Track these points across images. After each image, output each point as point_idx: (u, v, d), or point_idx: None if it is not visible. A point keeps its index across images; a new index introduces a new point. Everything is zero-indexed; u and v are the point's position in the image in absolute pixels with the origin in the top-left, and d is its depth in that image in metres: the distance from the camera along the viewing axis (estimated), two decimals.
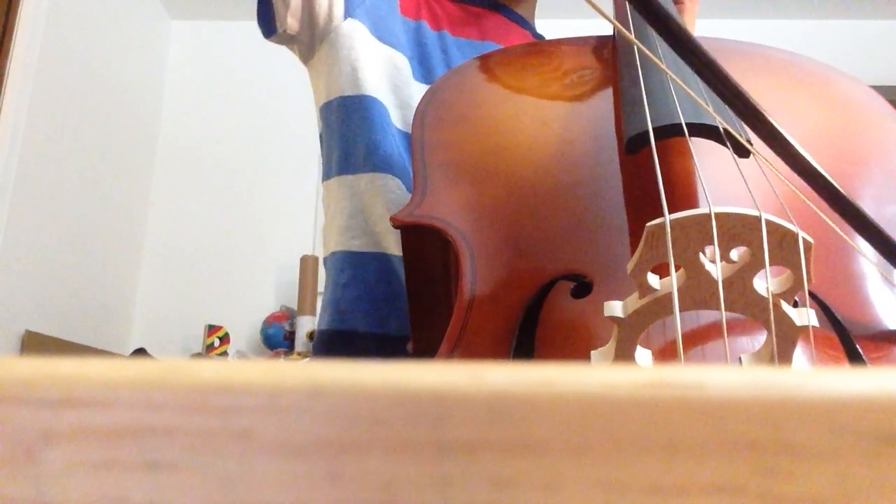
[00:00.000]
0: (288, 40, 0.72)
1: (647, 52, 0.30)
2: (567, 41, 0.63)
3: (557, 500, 0.11)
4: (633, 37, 0.43)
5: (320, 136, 0.76)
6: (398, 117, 0.71)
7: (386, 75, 0.71)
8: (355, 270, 0.69)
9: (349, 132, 0.70)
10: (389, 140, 0.69)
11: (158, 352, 2.41)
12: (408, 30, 0.76)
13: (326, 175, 0.73)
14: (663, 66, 0.32)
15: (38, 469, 0.11)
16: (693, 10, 0.76)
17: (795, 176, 0.28)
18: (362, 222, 0.69)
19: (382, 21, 0.73)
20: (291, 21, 0.69)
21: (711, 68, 0.23)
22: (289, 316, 2.41)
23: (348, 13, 0.71)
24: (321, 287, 1.35)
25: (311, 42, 0.72)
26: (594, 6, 0.25)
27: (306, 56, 0.75)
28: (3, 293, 1.95)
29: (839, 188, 0.31)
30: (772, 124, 0.28)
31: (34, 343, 2.02)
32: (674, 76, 0.34)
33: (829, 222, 0.29)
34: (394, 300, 0.67)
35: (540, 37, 0.84)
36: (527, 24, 0.83)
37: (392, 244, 0.68)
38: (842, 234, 0.37)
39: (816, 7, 2.77)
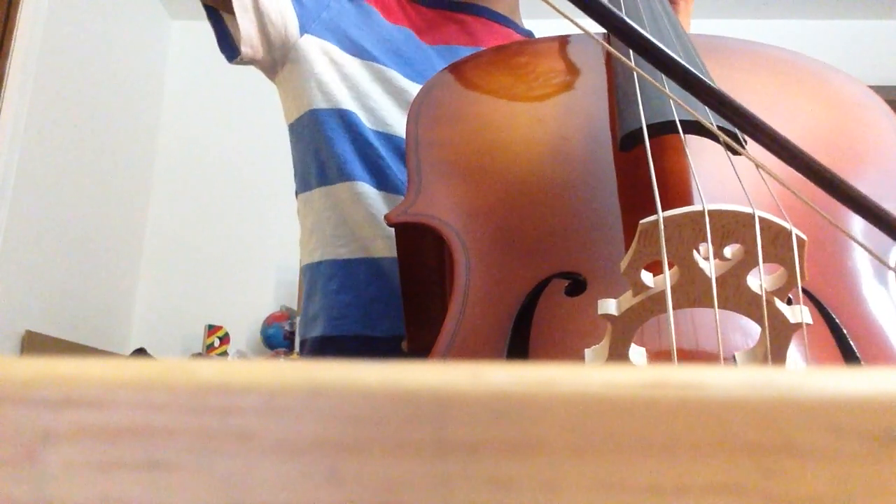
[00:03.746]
0: (250, 62, 0.73)
1: (622, 58, 0.30)
2: (561, 38, 0.63)
3: (557, 500, 0.11)
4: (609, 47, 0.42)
5: (292, 152, 0.77)
6: (371, 120, 0.72)
7: (353, 84, 0.72)
8: (345, 277, 0.70)
9: (322, 145, 0.72)
10: (361, 146, 0.71)
11: (158, 352, 2.41)
12: (391, 35, 0.76)
13: (304, 188, 0.75)
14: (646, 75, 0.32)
15: (38, 469, 0.11)
16: (688, 10, 0.76)
17: (788, 171, 0.28)
18: (348, 231, 0.71)
19: (351, 31, 0.73)
20: (246, 49, 0.70)
21: (666, 62, 0.23)
22: (289, 316, 2.41)
23: (304, 30, 0.72)
24: None
25: (272, 63, 0.73)
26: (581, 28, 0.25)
27: (271, 75, 0.76)
28: (3, 293, 1.95)
29: (830, 170, 0.31)
30: (748, 113, 0.28)
31: (34, 343, 2.02)
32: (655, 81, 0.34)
33: (825, 215, 0.29)
34: (384, 302, 0.68)
35: (527, 33, 0.83)
36: (510, 23, 0.82)
37: (379, 248, 0.69)
38: (838, 227, 0.37)
39: (816, 7, 2.77)
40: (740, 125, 0.24)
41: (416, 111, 0.56)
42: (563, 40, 0.63)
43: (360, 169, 0.70)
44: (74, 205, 2.27)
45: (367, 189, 0.70)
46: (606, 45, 0.36)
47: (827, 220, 0.29)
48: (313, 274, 0.73)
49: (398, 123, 0.71)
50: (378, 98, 0.72)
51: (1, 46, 2.03)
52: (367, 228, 0.70)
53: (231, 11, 0.68)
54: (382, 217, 0.69)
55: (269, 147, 2.60)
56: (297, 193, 0.78)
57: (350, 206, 0.70)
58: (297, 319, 2.33)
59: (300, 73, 0.72)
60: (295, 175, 0.77)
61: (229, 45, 0.72)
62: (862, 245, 0.29)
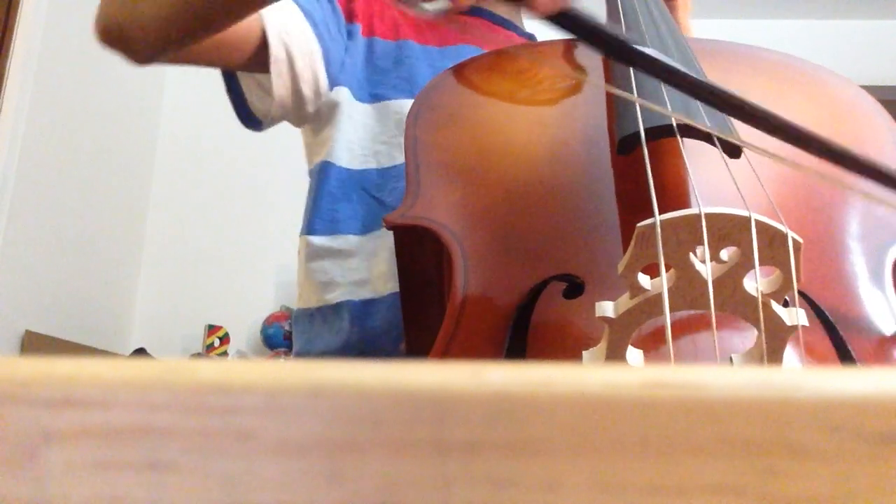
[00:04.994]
0: (282, 119, 0.74)
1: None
2: (560, 42, 0.63)
3: (557, 500, 0.11)
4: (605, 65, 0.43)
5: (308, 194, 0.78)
6: (377, 161, 0.73)
7: (369, 133, 0.73)
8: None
9: (315, 197, 0.73)
10: (367, 201, 0.72)
11: (158, 352, 2.41)
12: (389, 53, 0.76)
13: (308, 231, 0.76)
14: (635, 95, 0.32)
15: (38, 469, 0.11)
16: (686, 7, 0.76)
17: (786, 171, 0.28)
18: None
19: (359, 75, 0.74)
20: (278, 111, 0.70)
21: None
22: (289, 316, 2.41)
23: (333, 83, 0.72)
24: None
25: (303, 116, 0.74)
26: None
27: (298, 124, 0.77)
28: (3, 293, 1.95)
29: (829, 140, 0.31)
30: (740, 100, 0.28)
31: (34, 343, 2.02)
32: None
33: (825, 221, 0.29)
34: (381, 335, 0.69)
35: (529, 36, 0.83)
36: (511, 25, 0.82)
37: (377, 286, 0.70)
38: (846, 186, 0.37)
39: (816, 7, 2.77)
40: (739, 115, 0.24)
41: (415, 113, 0.56)
42: (563, 44, 0.63)
43: (339, 224, 0.71)
44: (74, 205, 2.27)
45: (352, 238, 0.71)
46: (611, 88, 0.36)
47: (834, 182, 0.29)
48: (330, 314, 0.73)
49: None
50: (387, 138, 0.73)
51: (1, 46, 2.03)
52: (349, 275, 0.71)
53: (265, 71, 0.68)
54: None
55: (270, 147, 2.60)
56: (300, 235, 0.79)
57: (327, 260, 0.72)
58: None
59: (324, 123, 0.74)
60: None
61: (249, 119, 0.74)
62: (872, 197, 0.29)
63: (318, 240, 0.72)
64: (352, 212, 0.72)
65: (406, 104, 0.72)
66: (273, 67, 0.68)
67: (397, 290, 0.57)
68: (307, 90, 0.71)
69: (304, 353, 0.74)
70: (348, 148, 0.73)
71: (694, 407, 0.11)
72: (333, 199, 0.72)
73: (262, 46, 0.68)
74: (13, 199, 1.99)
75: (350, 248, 0.71)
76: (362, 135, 0.73)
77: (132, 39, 0.61)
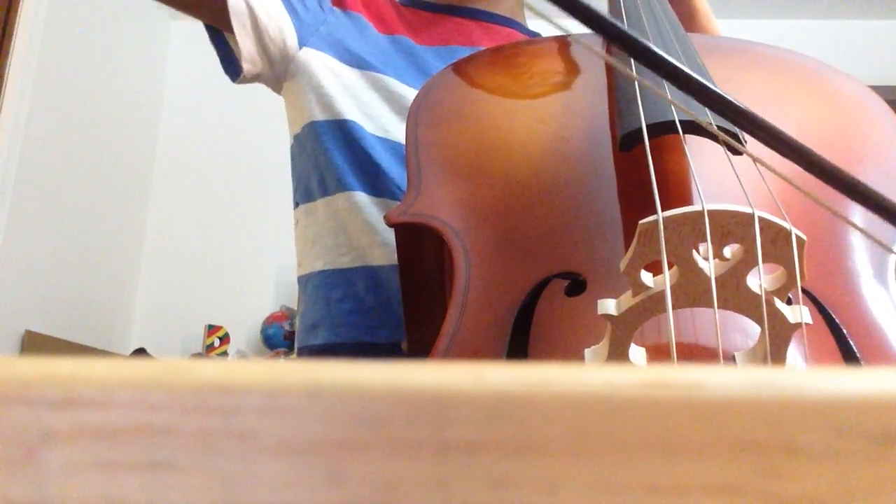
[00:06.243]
0: (254, 79, 0.75)
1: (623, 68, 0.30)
2: (561, 38, 0.63)
3: (557, 500, 0.11)
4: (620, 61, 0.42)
5: (294, 163, 0.78)
6: (372, 126, 0.73)
7: (353, 93, 0.73)
8: (347, 286, 0.71)
9: (321, 156, 0.73)
10: (358, 156, 0.72)
11: (158, 352, 2.41)
12: (386, 46, 0.76)
13: (307, 198, 0.76)
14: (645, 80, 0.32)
15: (38, 469, 0.11)
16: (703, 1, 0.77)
17: (787, 168, 0.28)
18: (347, 240, 0.72)
19: (348, 43, 0.75)
20: (247, 66, 0.72)
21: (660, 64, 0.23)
22: (289, 316, 2.41)
23: (302, 43, 0.73)
24: None
25: (275, 78, 0.75)
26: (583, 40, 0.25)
27: (277, 89, 0.78)
28: (3, 293, 1.95)
29: (830, 162, 0.31)
30: (750, 114, 0.28)
31: (34, 343, 2.02)
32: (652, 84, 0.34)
33: (829, 206, 0.29)
34: (383, 310, 0.69)
35: (532, 33, 0.83)
36: (512, 23, 0.82)
37: (376, 256, 0.70)
38: (842, 218, 0.37)
39: (816, 7, 2.77)
40: (743, 126, 0.24)
41: (416, 111, 0.56)
42: (563, 40, 0.63)
43: (355, 179, 0.71)
44: (74, 205, 2.27)
45: (363, 198, 0.71)
46: (607, 57, 0.36)
47: (830, 211, 0.29)
48: (315, 282, 0.74)
49: (397, 129, 0.72)
50: (376, 106, 0.73)
51: (1, 46, 2.03)
52: (364, 237, 0.71)
53: (231, 30, 0.70)
54: (379, 224, 0.70)
55: (270, 147, 2.61)
56: (297, 204, 0.79)
57: (347, 216, 0.72)
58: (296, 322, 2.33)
59: (300, 86, 0.74)
60: (297, 186, 0.79)
61: (233, 65, 0.74)
62: (867, 234, 0.29)
63: (364, 197, 0.71)
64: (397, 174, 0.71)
65: (396, 84, 0.72)
66: (234, 19, 0.69)
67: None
68: (273, 48, 0.72)
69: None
70: (362, 111, 0.73)
71: (694, 407, 0.11)
72: (369, 158, 0.71)
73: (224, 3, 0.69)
74: (13, 199, 1.99)
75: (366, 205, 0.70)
76: (348, 92, 0.73)
77: None
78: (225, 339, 2.45)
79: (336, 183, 0.72)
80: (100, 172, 2.40)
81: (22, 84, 2.02)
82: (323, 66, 0.73)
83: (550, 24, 0.28)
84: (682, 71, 0.23)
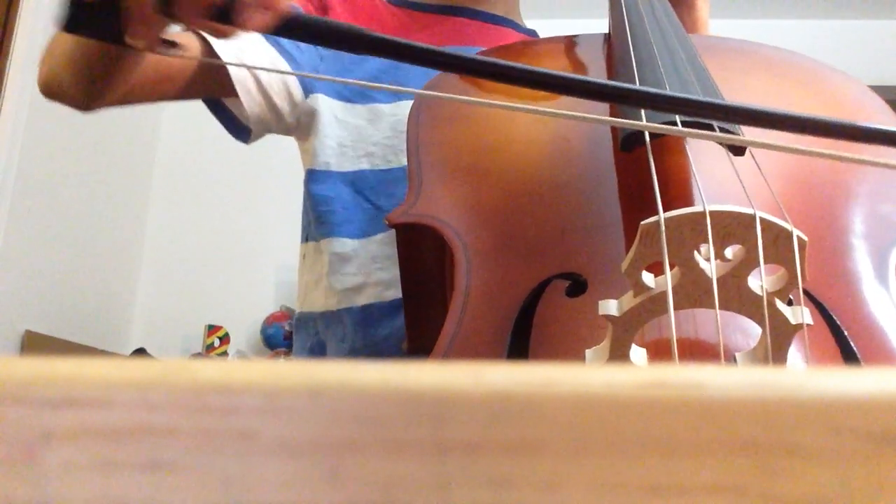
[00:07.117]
0: (266, 133, 0.75)
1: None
2: (561, 39, 0.63)
3: (557, 500, 0.11)
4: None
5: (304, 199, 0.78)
6: (377, 163, 0.72)
7: (358, 136, 0.73)
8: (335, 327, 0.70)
9: (308, 202, 0.73)
10: (358, 202, 0.71)
11: (158, 352, 2.41)
12: (381, 61, 0.76)
13: (305, 238, 0.76)
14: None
15: (38, 469, 0.11)
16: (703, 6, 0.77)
17: (791, 169, 0.28)
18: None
19: (345, 76, 0.74)
20: (257, 127, 0.72)
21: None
22: (289, 316, 2.41)
23: (308, 91, 0.73)
24: None
25: (285, 127, 0.75)
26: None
27: (287, 134, 0.78)
28: (3, 293, 1.95)
29: (833, 119, 0.31)
30: (758, 112, 0.28)
31: (34, 343, 2.02)
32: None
33: (830, 206, 0.29)
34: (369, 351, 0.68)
35: (530, 32, 0.83)
36: (509, 23, 0.82)
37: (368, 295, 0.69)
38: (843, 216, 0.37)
39: (816, 7, 2.77)
40: (746, 122, 0.24)
41: (416, 112, 0.56)
42: (565, 40, 0.63)
43: (349, 225, 0.71)
44: (74, 205, 2.27)
45: (336, 243, 0.70)
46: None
47: (846, 160, 0.29)
48: (330, 320, 0.72)
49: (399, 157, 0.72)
50: (380, 140, 0.72)
51: (1, 46, 2.03)
52: (346, 280, 0.70)
53: (233, 94, 0.69)
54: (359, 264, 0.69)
55: (270, 147, 2.60)
56: (301, 241, 0.78)
57: (320, 266, 0.71)
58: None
59: (307, 132, 0.74)
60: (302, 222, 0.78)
61: (239, 132, 0.74)
62: (879, 165, 0.29)
63: (338, 245, 0.71)
64: (347, 216, 0.71)
65: (399, 106, 0.72)
66: (238, 87, 0.68)
67: (399, 296, 0.57)
68: (281, 102, 0.71)
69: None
70: (339, 150, 0.72)
71: (694, 407, 0.11)
72: (327, 202, 0.72)
73: (218, 71, 0.68)
74: (13, 199, 1.99)
75: (346, 252, 0.70)
76: (352, 134, 0.73)
77: (65, 94, 0.65)
78: (225, 339, 2.45)
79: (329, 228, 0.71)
80: (100, 172, 2.40)
81: (22, 84, 2.02)
82: (327, 111, 0.72)
83: (547, 23, 0.28)
84: (693, 101, 0.23)
